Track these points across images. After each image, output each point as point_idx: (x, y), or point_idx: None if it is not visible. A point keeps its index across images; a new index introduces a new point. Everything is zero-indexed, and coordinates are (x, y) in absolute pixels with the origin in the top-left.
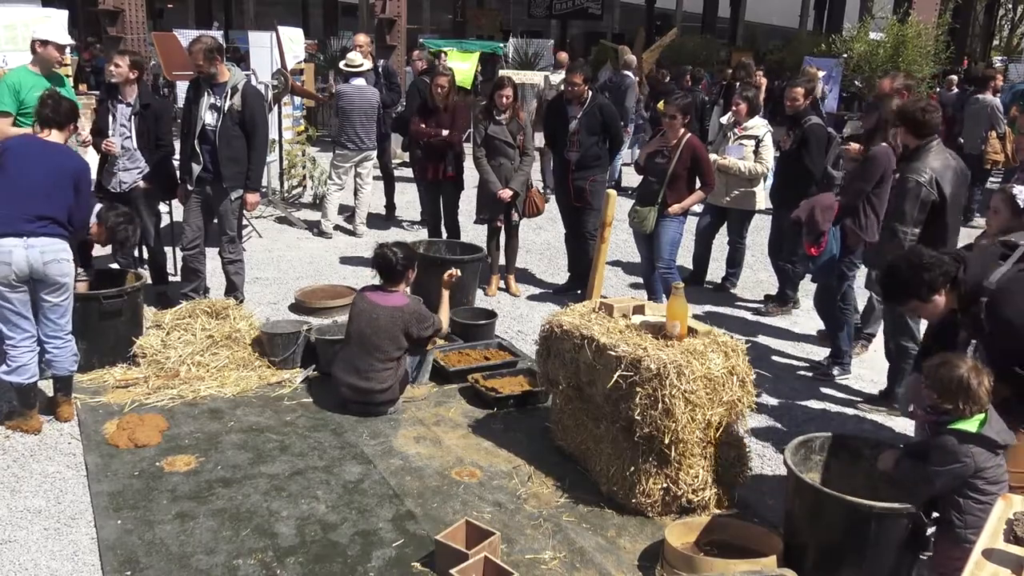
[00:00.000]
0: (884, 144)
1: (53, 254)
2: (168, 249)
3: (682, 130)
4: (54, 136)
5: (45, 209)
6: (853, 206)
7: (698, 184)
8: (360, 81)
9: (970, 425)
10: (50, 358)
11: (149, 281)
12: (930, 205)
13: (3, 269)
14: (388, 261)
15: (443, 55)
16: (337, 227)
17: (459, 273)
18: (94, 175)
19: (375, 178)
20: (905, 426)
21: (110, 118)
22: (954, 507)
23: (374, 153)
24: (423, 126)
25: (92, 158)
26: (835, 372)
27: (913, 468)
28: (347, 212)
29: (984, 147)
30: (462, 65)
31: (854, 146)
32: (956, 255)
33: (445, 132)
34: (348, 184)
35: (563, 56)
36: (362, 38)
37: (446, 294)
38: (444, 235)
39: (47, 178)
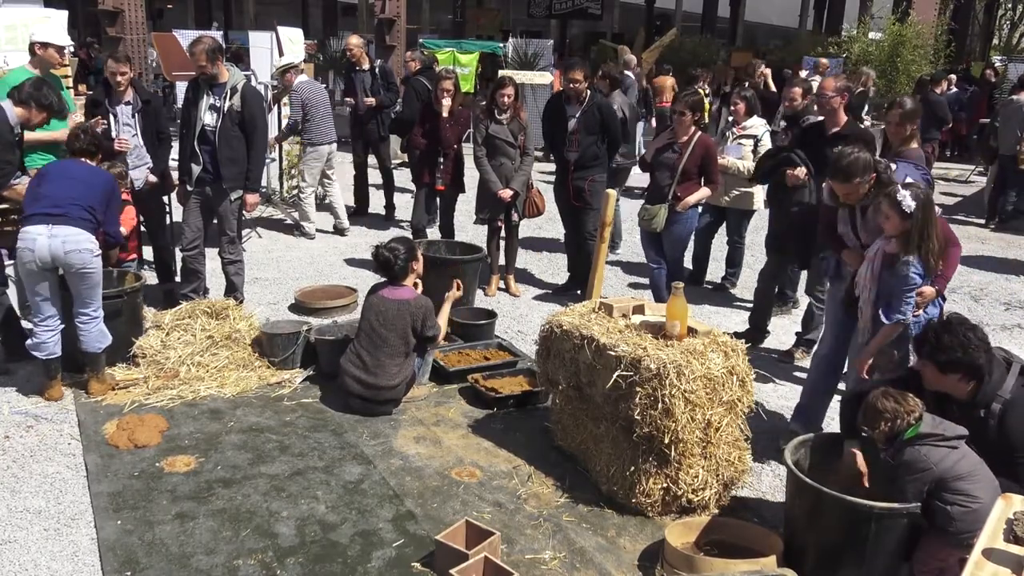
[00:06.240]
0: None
1: (75, 244)
2: None
3: (692, 127)
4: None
5: (78, 198)
6: None
7: (703, 182)
8: (304, 77)
9: (910, 432)
10: (78, 333)
11: (153, 280)
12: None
13: (27, 255)
14: (387, 259)
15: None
16: (319, 230)
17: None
18: None
19: (374, 185)
20: None
21: (111, 118)
22: (943, 516)
23: (336, 146)
24: (423, 139)
25: None
26: None
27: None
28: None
29: (1019, 148)
30: (461, 69)
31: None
32: (992, 357)
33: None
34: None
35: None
36: (355, 40)
37: (448, 303)
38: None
39: (81, 183)
